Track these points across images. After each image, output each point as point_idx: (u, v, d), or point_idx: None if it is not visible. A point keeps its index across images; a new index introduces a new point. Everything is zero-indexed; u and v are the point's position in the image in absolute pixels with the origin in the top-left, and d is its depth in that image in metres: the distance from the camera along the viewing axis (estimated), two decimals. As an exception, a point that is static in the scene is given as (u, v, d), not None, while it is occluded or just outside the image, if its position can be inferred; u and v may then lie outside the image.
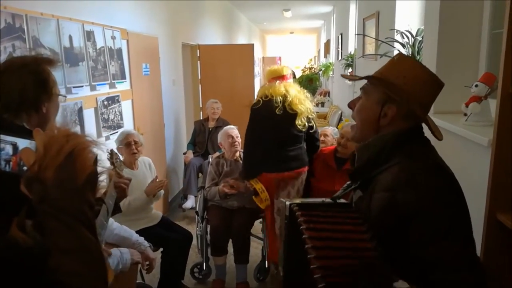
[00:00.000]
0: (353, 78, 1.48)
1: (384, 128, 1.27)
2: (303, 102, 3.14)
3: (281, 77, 3.19)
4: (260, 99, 3.17)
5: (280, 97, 3.09)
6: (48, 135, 0.68)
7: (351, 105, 1.36)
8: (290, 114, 3.09)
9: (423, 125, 1.29)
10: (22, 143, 0.69)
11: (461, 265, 1.08)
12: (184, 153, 5.23)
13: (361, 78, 1.34)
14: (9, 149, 0.68)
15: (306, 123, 3.14)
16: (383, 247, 1.02)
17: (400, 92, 1.22)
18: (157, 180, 3.12)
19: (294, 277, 1.26)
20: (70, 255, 0.66)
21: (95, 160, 0.71)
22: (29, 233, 0.67)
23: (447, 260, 1.08)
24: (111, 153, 2.03)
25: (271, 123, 3.10)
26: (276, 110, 3.07)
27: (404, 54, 1.48)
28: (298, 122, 3.10)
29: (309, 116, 3.16)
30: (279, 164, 3.14)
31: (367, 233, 1.06)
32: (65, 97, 1.55)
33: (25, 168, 0.68)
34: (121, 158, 2.11)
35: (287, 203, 1.25)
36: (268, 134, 3.12)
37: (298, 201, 1.26)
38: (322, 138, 3.58)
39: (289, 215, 1.23)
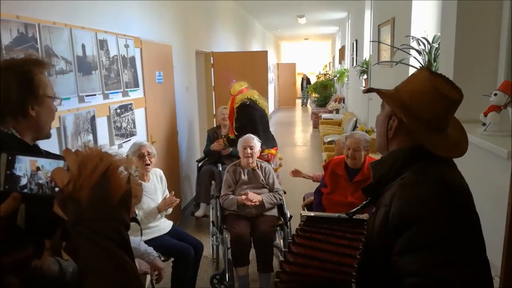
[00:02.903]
0: (367, 90, 1.50)
1: (393, 142, 1.29)
2: (264, 100, 4.63)
3: (243, 89, 4.52)
4: (247, 101, 4.37)
5: (257, 98, 4.46)
6: (80, 155, 0.68)
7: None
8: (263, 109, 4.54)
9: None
10: (46, 163, 0.69)
11: (435, 277, 1.03)
12: (198, 161, 5.20)
13: (367, 91, 1.40)
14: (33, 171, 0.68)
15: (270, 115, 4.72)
16: (375, 262, 1.07)
17: (397, 106, 1.23)
18: (171, 196, 3.10)
19: None
20: (105, 278, 0.64)
21: (129, 179, 0.70)
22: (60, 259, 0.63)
23: (418, 271, 1.04)
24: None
25: (260, 115, 4.42)
26: (260, 106, 4.45)
27: (425, 67, 1.48)
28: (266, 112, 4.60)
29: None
30: (269, 143, 4.38)
31: (359, 250, 1.14)
32: (61, 99, 1.48)
33: (56, 189, 0.67)
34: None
35: (302, 214, 1.34)
36: (260, 123, 4.37)
37: (312, 214, 1.35)
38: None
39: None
